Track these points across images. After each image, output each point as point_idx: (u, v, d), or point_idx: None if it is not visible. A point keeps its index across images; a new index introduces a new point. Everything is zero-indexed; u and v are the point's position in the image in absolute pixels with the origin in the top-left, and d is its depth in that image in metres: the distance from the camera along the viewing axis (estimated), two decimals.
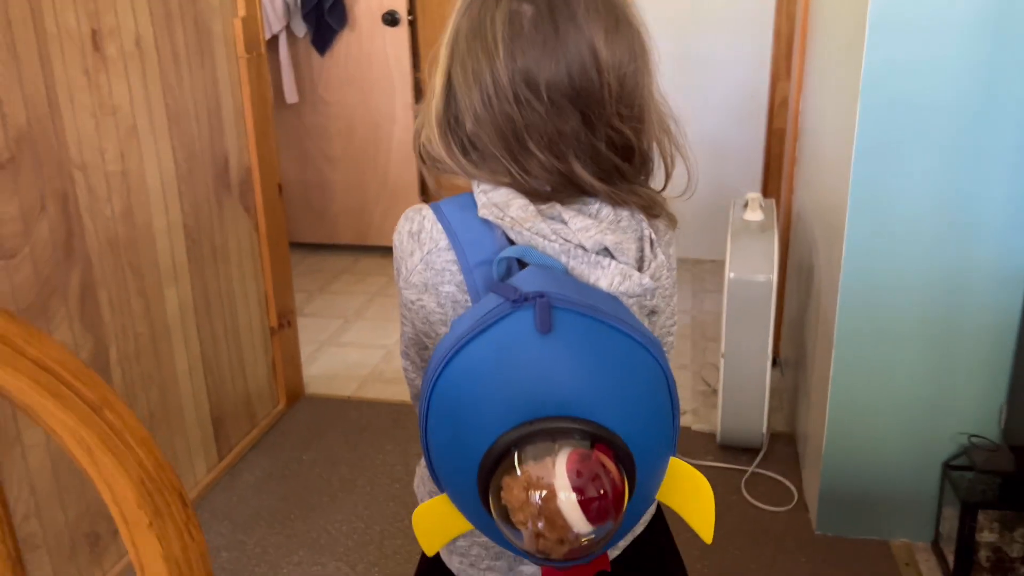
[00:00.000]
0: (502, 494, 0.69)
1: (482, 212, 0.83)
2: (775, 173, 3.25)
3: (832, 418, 2.01)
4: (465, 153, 0.86)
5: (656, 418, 0.76)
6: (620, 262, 0.83)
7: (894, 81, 1.74)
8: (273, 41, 3.73)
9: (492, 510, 0.71)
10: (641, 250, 0.86)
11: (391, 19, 3.68)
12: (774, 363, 2.49)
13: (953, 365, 1.91)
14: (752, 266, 2.26)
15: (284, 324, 2.69)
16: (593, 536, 0.69)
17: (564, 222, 0.83)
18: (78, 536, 1.86)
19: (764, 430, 2.39)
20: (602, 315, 0.74)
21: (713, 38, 3.64)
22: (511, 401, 0.70)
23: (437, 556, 1.03)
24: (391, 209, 3.99)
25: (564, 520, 0.68)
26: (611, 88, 0.81)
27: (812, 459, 2.18)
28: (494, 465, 0.69)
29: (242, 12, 2.35)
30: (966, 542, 1.85)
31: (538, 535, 0.69)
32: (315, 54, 3.81)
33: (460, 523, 0.82)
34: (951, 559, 1.91)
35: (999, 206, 1.78)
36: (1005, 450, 1.85)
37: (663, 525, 1.06)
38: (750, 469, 2.34)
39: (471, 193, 0.87)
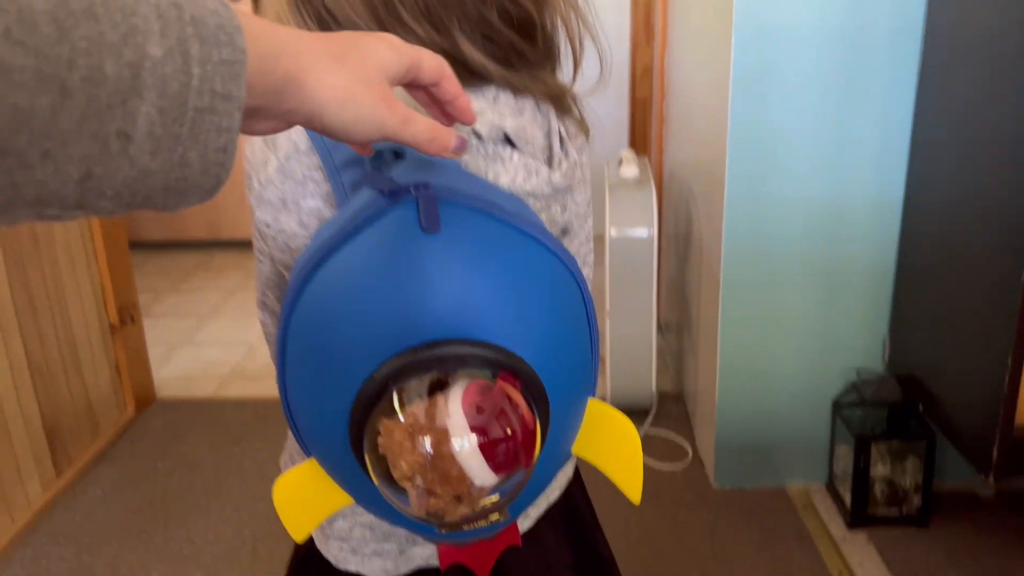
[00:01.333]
0: (380, 441, 0.51)
1: None
2: (642, 137, 3.23)
3: (723, 371, 1.96)
4: (324, 28, 0.69)
5: (572, 345, 0.61)
6: (525, 154, 0.69)
7: (765, 15, 1.70)
8: None
9: (368, 466, 0.53)
10: (550, 146, 0.72)
11: None
12: (657, 328, 2.43)
13: (838, 302, 1.90)
14: (632, 221, 2.19)
15: (127, 320, 2.40)
16: (498, 494, 0.53)
17: None
18: None
19: (654, 389, 2.33)
20: (503, 214, 0.58)
21: None
22: (388, 323, 0.52)
23: (311, 544, 0.85)
24: (247, 198, 3.70)
25: (461, 469, 0.51)
26: None
27: (704, 414, 2.14)
28: (368, 407, 0.52)
29: None
30: (860, 477, 1.84)
31: (429, 493, 0.52)
32: None
33: (333, 496, 0.64)
34: (847, 497, 1.90)
35: (873, 134, 1.77)
36: (891, 381, 1.86)
37: (581, 490, 0.92)
38: (643, 430, 2.27)
39: None
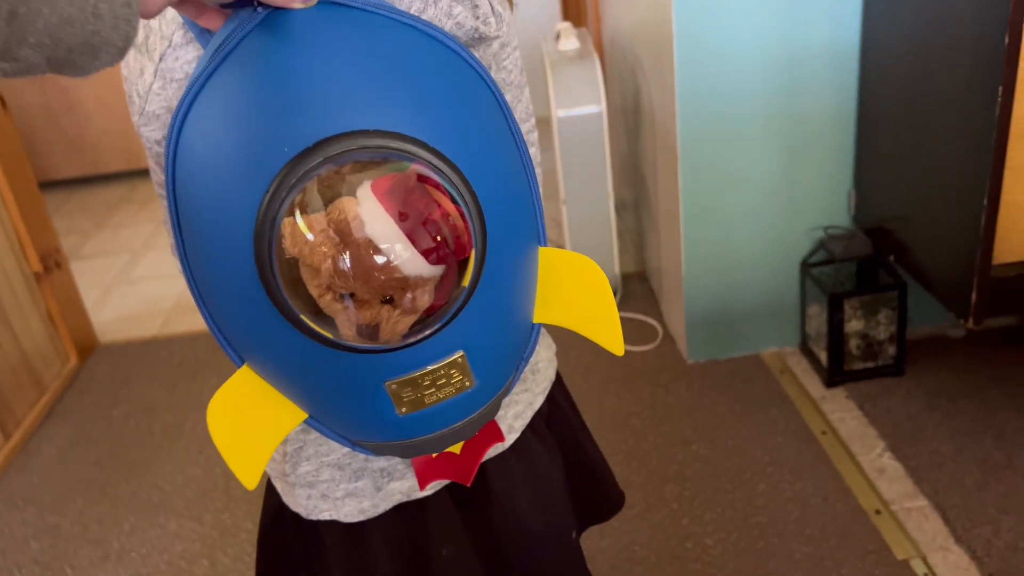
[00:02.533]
0: (284, 245, 0.45)
1: None
2: (575, 7, 3.06)
3: (688, 244, 1.89)
4: None
5: (491, 150, 0.52)
6: None
7: None
8: None
9: (287, 298, 0.46)
10: None
11: None
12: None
13: (799, 158, 1.82)
14: (579, 98, 2.06)
15: (51, 266, 2.23)
16: (433, 296, 0.47)
17: None
18: None
19: (617, 271, 2.26)
20: (392, 12, 0.50)
21: None
22: (279, 131, 0.46)
23: (277, 504, 0.76)
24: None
25: (385, 258, 0.45)
26: None
27: (671, 291, 2.09)
28: (271, 226, 0.45)
29: None
30: (835, 334, 1.82)
31: (357, 303, 0.46)
32: None
33: (276, 413, 0.56)
34: (823, 356, 1.88)
35: None
36: (860, 235, 1.82)
37: (563, 393, 0.85)
38: None
39: None
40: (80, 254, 3.05)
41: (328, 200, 0.45)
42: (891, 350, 1.84)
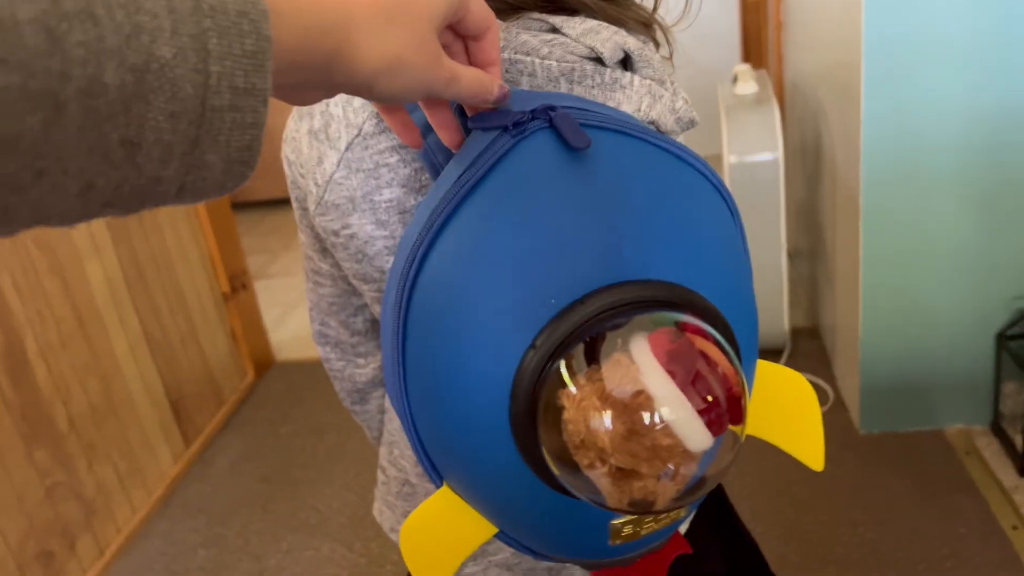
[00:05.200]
0: (565, 416, 0.39)
1: None
2: (757, 46, 2.95)
3: (867, 303, 1.76)
4: None
5: (741, 285, 0.47)
6: (645, 77, 0.54)
7: None
8: None
9: (547, 457, 0.41)
10: (662, 73, 0.58)
11: None
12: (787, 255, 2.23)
13: (999, 222, 1.65)
14: (754, 145, 1.98)
15: (238, 287, 2.40)
16: (702, 467, 0.40)
17: (556, 29, 0.54)
18: (26, 560, 1.60)
19: (786, 328, 2.14)
20: (641, 132, 0.45)
21: None
22: (543, 276, 0.40)
23: None
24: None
25: (672, 435, 0.38)
26: None
27: (846, 352, 1.94)
28: (535, 386, 0.39)
29: None
30: None
31: (631, 475, 0.39)
32: None
33: (470, 531, 0.52)
34: (1018, 439, 1.68)
35: None
36: None
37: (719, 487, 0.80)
38: None
39: None
40: (267, 272, 3.27)
41: (592, 358, 0.39)
42: None
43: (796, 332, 2.26)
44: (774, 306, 2.11)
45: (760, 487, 1.73)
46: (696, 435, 0.38)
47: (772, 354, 2.16)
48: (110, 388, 1.87)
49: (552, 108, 0.44)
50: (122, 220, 1.94)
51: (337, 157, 0.57)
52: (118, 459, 1.88)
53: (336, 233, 0.59)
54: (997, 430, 1.78)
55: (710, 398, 0.38)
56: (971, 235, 1.67)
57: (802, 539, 1.60)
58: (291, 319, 2.87)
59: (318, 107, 0.59)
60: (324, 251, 0.65)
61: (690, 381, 0.38)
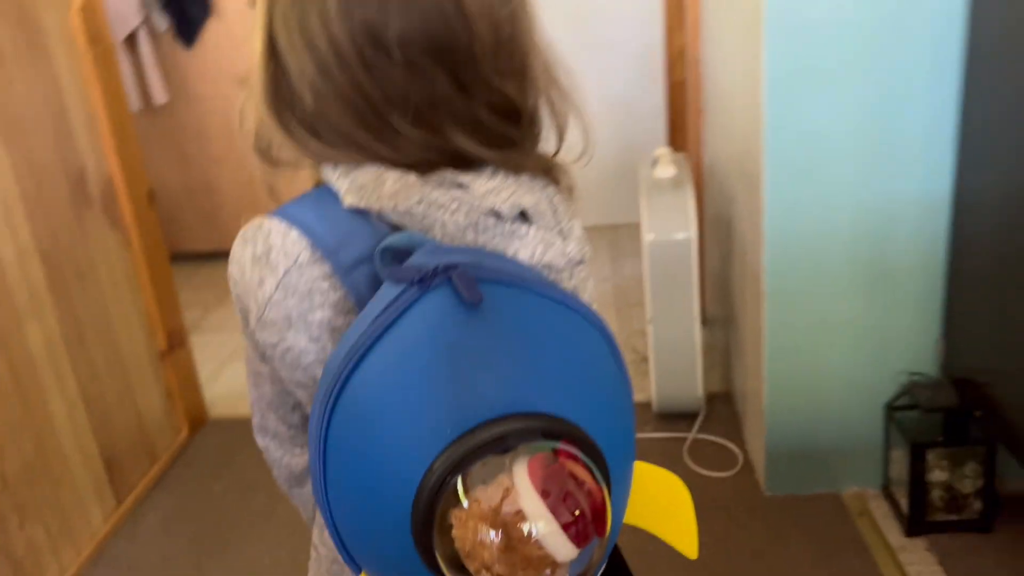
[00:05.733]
0: (454, 534, 0.49)
1: (348, 200, 0.65)
2: (680, 128, 3.15)
3: (771, 372, 1.91)
4: (314, 134, 0.67)
5: (616, 409, 0.59)
6: (540, 228, 0.67)
7: (799, 6, 1.63)
8: (132, 38, 3.42)
9: (441, 563, 0.50)
10: (557, 218, 0.70)
11: None
12: (703, 322, 2.39)
13: (887, 303, 1.83)
14: (670, 225, 2.14)
15: (175, 345, 2.44)
16: (579, 567, 0.51)
17: (463, 186, 0.66)
18: None
19: (700, 393, 2.29)
20: (533, 284, 0.57)
21: None
22: (441, 409, 0.50)
23: None
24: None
25: (543, 550, 0.49)
26: (483, 39, 0.64)
27: (753, 417, 2.09)
28: (433, 500, 0.49)
29: (79, 1, 2.08)
30: (917, 484, 1.78)
31: None
32: (181, 48, 3.51)
33: None
34: (904, 503, 1.84)
35: (918, 129, 1.69)
36: (946, 385, 1.79)
37: (616, 552, 0.90)
38: (690, 435, 2.24)
39: (325, 185, 0.68)
40: (201, 327, 3.30)
41: (484, 479, 0.48)
42: (977, 504, 1.79)
43: (711, 396, 2.41)
44: (689, 373, 2.26)
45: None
46: (563, 548, 0.49)
47: (687, 418, 2.30)
48: (44, 447, 1.90)
49: (453, 266, 0.55)
50: (63, 280, 1.99)
51: (275, 281, 0.66)
52: (49, 518, 1.89)
53: (274, 346, 0.68)
54: (887, 493, 1.94)
55: (577, 513, 0.49)
56: (862, 315, 1.84)
57: None
58: (224, 374, 2.91)
59: (260, 234, 0.67)
60: (264, 356, 0.74)
61: (561, 499, 0.48)
